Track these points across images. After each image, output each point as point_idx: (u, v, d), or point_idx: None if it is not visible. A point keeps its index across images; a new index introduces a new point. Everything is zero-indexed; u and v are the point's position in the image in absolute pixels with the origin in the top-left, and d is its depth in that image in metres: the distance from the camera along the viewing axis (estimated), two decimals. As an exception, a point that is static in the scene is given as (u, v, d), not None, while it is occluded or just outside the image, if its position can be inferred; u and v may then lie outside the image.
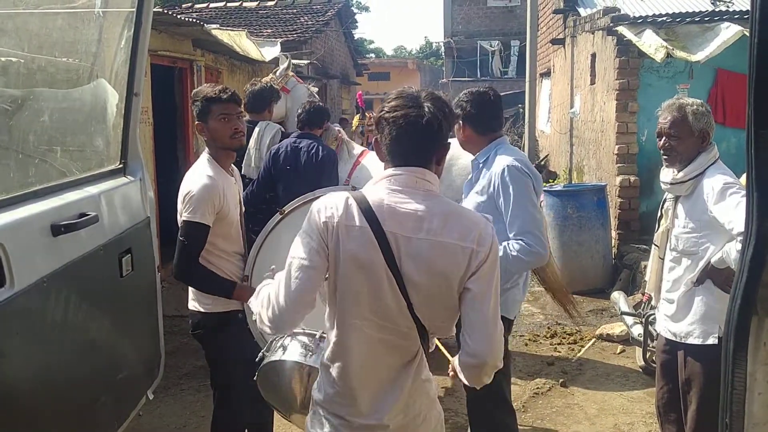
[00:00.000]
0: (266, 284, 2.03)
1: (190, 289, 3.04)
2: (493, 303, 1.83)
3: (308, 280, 1.82)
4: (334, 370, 1.90)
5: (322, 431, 1.93)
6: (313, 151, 4.86)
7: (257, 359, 2.56)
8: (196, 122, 2.99)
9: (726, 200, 2.79)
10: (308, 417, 2.01)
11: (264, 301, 1.88)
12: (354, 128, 7.81)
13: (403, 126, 1.83)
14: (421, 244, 1.80)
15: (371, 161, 5.26)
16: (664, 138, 3.01)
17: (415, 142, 1.85)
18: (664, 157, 3.04)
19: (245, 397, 3.17)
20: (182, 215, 2.86)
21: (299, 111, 5.16)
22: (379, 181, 1.89)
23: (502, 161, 3.07)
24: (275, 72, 6.31)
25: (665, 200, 3.17)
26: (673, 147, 2.98)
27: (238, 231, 3.06)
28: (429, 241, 1.80)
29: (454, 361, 1.97)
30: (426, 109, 1.83)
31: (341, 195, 1.87)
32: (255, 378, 2.55)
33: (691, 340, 2.97)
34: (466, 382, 1.94)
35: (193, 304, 3.04)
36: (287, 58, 6.60)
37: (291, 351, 2.46)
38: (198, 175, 2.89)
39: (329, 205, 1.85)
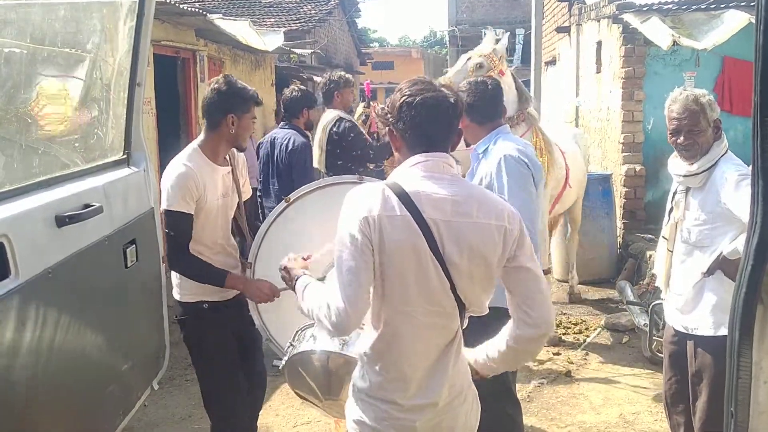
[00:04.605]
0: (312, 286, 2.04)
1: (173, 275, 3.04)
2: (541, 273, 1.96)
3: (361, 280, 1.84)
4: (382, 359, 1.94)
5: (369, 416, 1.95)
6: (285, 142, 4.93)
7: (285, 350, 2.57)
8: (230, 115, 2.90)
9: (740, 191, 2.74)
10: (349, 404, 2.03)
11: (323, 308, 1.88)
12: (358, 116, 7.80)
13: (431, 108, 1.89)
14: (459, 227, 1.87)
15: None
16: (684, 134, 2.91)
17: (439, 126, 1.92)
18: (685, 152, 2.93)
19: (229, 387, 3.09)
20: (161, 205, 2.86)
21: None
22: (409, 168, 1.92)
23: (500, 151, 3.07)
24: (494, 49, 5.02)
25: (675, 192, 3.11)
26: (695, 141, 2.89)
27: (216, 221, 2.99)
28: (467, 223, 1.87)
29: (481, 354, 2.08)
30: (447, 92, 1.91)
31: (375, 187, 1.90)
32: (281, 368, 2.56)
33: (701, 332, 2.95)
34: (506, 369, 2.10)
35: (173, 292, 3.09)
36: (502, 33, 5.35)
37: (322, 340, 2.45)
38: (175, 165, 2.88)
39: (365, 199, 1.87)
